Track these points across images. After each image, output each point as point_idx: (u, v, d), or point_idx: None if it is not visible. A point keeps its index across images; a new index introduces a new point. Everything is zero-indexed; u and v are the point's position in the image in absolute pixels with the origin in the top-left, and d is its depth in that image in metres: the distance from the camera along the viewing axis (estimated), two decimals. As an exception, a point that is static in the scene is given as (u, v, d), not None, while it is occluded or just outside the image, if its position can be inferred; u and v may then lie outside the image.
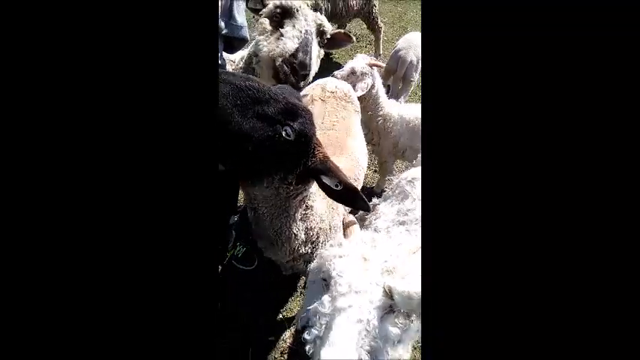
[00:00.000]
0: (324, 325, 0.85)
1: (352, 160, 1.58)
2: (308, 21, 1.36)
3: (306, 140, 0.97)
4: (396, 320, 0.85)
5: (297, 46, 1.31)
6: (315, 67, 1.39)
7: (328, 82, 1.93)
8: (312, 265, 0.97)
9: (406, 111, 2.34)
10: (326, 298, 0.86)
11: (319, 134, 1.58)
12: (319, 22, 1.41)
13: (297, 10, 1.36)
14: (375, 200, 1.75)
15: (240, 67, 1.61)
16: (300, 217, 1.18)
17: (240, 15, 1.38)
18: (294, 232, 1.19)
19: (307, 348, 0.88)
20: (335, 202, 1.31)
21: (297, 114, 0.95)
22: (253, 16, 1.55)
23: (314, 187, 1.16)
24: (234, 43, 1.45)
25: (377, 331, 0.84)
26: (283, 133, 0.92)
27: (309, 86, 1.93)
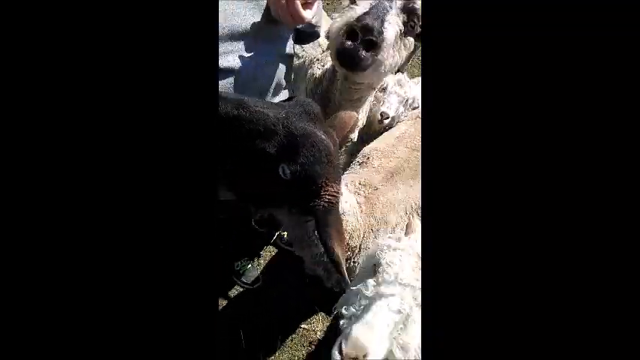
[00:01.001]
0: (362, 307, 0.85)
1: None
2: None
3: (306, 179, 0.81)
4: None
5: (365, 10, 1.05)
6: (392, 44, 1.09)
7: None
8: (367, 251, 0.97)
9: None
10: (370, 281, 0.86)
11: (401, 150, 1.43)
12: None
13: None
14: None
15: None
16: None
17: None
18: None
19: (342, 322, 0.90)
20: (377, 225, 1.26)
21: (298, 148, 0.78)
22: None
23: (346, 203, 1.08)
24: (304, 37, 1.26)
25: (414, 328, 0.83)
26: (280, 171, 0.79)
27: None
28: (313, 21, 1.09)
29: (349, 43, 1.06)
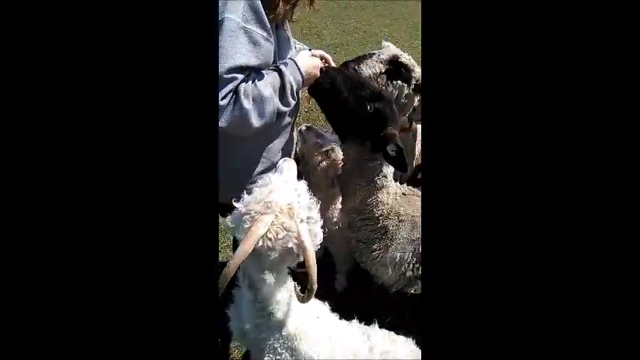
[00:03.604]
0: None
1: None
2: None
3: (380, 117, 1.38)
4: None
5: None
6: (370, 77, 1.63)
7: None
8: None
9: None
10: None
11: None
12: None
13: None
14: None
15: None
16: (372, 186, 1.46)
17: None
18: (357, 187, 1.48)
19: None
20: (404, 216, 1.51)
21: (382, 99, 1.40)
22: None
23: (384, 191, 1.46)
24: None
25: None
26: (368, 107, 1.37)
27: None
28: None
29: None
